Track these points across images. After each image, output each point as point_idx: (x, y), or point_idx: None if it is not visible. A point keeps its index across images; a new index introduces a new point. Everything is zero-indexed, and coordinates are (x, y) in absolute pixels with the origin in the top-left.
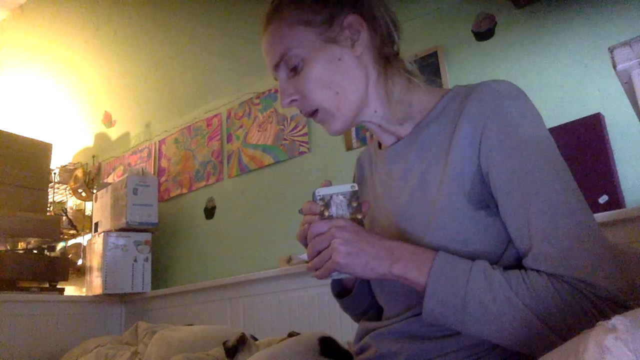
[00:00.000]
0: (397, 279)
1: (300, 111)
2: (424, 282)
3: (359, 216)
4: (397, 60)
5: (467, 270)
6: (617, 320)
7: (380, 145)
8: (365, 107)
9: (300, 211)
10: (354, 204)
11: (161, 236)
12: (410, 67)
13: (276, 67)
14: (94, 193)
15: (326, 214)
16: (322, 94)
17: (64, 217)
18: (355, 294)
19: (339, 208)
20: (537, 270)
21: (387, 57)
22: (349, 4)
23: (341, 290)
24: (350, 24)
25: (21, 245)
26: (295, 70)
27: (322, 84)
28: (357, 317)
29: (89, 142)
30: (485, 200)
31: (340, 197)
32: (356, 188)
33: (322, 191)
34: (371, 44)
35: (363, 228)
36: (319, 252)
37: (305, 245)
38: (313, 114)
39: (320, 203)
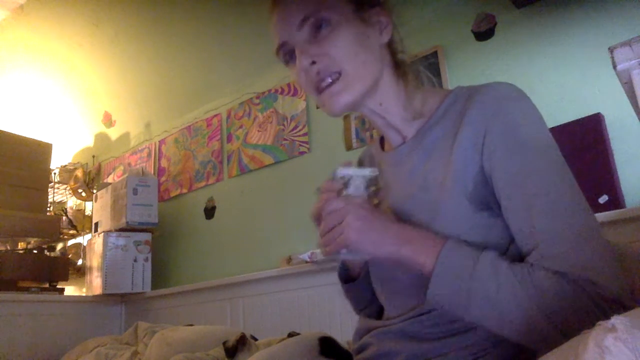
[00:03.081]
0: (404, 260)
1: (317, 74)
2: (431, 265)
3: (375, 201)
4: (406, 64)
5: (475, 257)
6: (617, 320)
7: (382, 146)
8: (373, 94)
9: (318, 189)
10: (372, 188)
11: (161, 236)
12: (418, 70)
13: (301, 24)
14: (94, 193)
15: (344, 193)
16: (351, 58)
17: (64, 217)
18: (359, 282)
19: (357, 189)
20: (542, 267)
21: (400, 59)
22: (380, 2)
23: (347, 277)
24: (380, 14)
25: (21, 245)
26: (317, 33)
27: (350, 50)
28: (358, 309)
29: (89, 142)
30: (488, 201)
31: (360, 179)
32: (377, 173)
33: (343, 171)
34: (390, 43)
35: (378, 209)
36: (331, 229)
37: (319, 223)
38: (333, 79)
39: (340, 181)
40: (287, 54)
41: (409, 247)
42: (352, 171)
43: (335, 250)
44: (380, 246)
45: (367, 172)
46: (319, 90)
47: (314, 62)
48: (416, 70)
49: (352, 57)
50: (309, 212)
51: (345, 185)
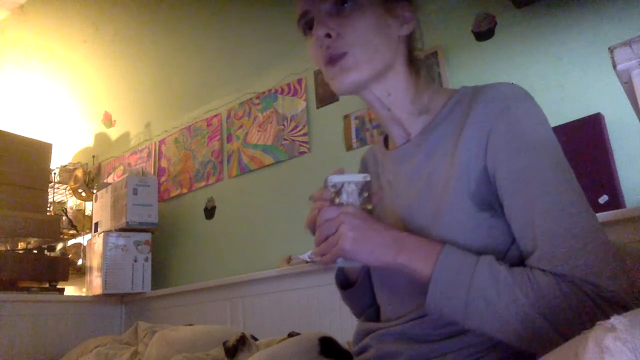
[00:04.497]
0: (401, 268)
1: (327, 48)
2: (428, 273)
3: (369, 206)
4: (420, 61)
5: (473, 264)
6: (616, 320)
7: (386, 145)
8: (382, 82)
9: (311, 197)
10: (365, 194)
11: (161, 236)
12: (431, 69)
13: None
14: (94, 193)
15: (337, 201)
16: (363, 41)
17: (64, 217)
18: (358, 287)
19: (350, 196)
20: (542, 270)
21: (415, 55)
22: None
23: (344, 282)
24: (406, 9)
25: (21, 245)
26: (340, 9)
27: (367, 33)
28: (358, 313)
29: (89, 142)
30: (490, 201)
31: (352, 185)
32: (368, 178)
33: (335, 178)
34: (409, 38)
35: (372, 217)
36: (327, 238)
37: (313, 232)
38: (338, 57)
39: (332, 190)
40: (307, 24)
41: (405, 255)
42: (344, 178)
43: (331, 260)
44: (376, 255)
45: (359, 177)
46: (328, 63)
47: (328, 35)
48: (429, 68)
49: (366, 40)
50: (304, 221)
51: (338, 192)
